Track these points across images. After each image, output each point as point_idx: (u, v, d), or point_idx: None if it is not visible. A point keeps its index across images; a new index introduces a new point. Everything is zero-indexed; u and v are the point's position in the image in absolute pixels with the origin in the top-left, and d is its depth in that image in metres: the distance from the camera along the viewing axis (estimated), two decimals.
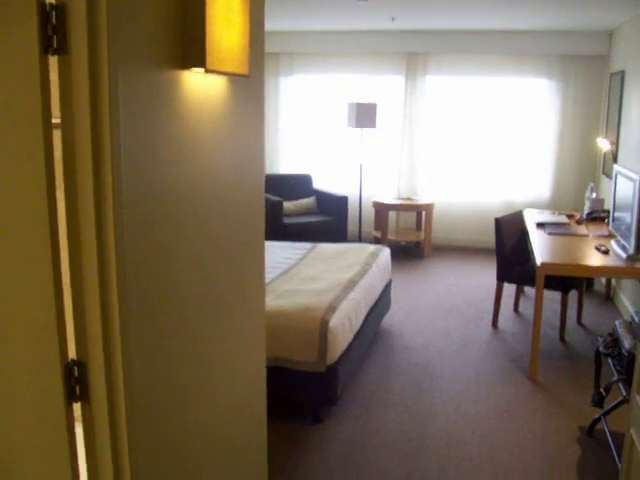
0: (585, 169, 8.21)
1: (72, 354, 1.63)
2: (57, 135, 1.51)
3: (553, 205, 8.15)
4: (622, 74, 6.69)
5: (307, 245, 5.75)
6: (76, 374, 1.63)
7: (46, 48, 1.44)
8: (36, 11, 1.40)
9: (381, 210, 8.30)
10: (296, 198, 8.26)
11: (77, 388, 1.63)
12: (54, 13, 1.43)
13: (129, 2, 1.56)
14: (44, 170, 1.48)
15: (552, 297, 6.10)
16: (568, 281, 5.12)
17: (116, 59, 1.50)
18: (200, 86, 1.97)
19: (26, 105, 1.45)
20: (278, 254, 5.34)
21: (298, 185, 8.47)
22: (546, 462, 3.50)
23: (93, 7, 1.44)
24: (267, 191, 7.49)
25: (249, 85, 2.36)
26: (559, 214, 6.36)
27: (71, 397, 1.63)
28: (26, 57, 1.42)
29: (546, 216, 6.17)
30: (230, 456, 2.46)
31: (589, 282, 6.51)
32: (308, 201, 8.28)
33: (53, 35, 1.44)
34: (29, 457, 1.68)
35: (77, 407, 1.66)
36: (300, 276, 4.71)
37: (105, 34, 1.45)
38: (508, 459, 3.53)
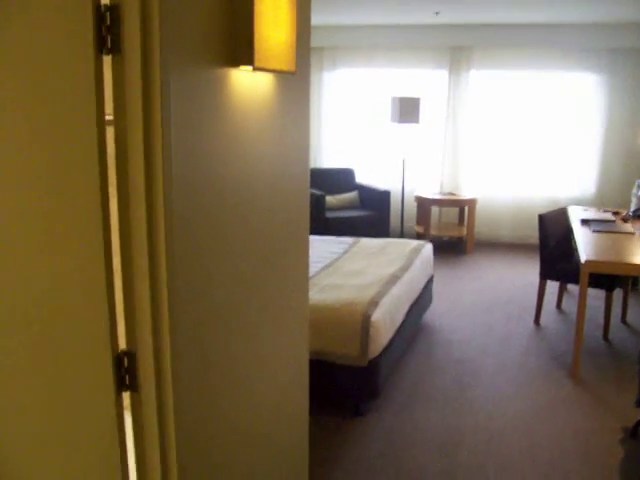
0: (632, 165, 8.06)
1: (122, 345, 1.68)
2: (110, 132, 1.56)
3: (599, 202, 8.03)
4: None
5: (349, 240, 5.77)
6: (126, 364, 1.68)
7: (100, 48, 1.48)
8: (91, 12, 1.44)
9: (423, 205, 8.27)
10: (339, 192, 8.28)
11: (127, 377, 1.69)
12: (108, 14, 1.48)
13: (180, 3, 1.60)
14: (97, 166, 1.52)
15: (596, 295, 6.02)
16: (613, 279, 5.05)
17: (167, 58, 1.54)
18: (248, 84, 2.00)
19: (81, 102, 1.50)
20: (321, 248, 5.37)
21: (341, 179, 8.48)
22: (587, 462, 3.47)
23: (146, 8, 1.48)
24: (310, 185, 7.52)
25: (295, 82, 2.39)
26: (604, 211, 6.27)
27: (121, 386, 1.68)
28: (81, 56, 1.47)
29: (591, 213, 6.09)
30: (272, 449, 2.50)
31: (634, 281, 6.41)
32: (351, 195, 8.29)
33: (107, 35, 1.48)
34: (79, 443, 1.73)
35: (126, 396, 1.71)
36: (343, 270, 4.73)
37: (157, 34, 1.49)
38: (548, 458, 3.51)
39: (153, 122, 1.54)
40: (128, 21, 1.48)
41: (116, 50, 1.51)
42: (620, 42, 7.82)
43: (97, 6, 1.45)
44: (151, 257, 1.60)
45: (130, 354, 1.68)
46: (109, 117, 1.56)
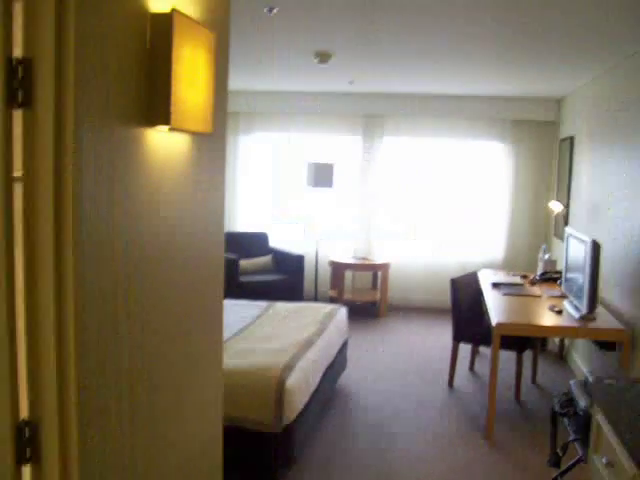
0: (538, 231, 8.40)
1: (24, 414, 1.57)
2: (19, 188, 1.49)
3: (507, 266, 8.28)
4: (571, 140, 6.92)
5: (263, 304, 5.72)
6: (27, 435, 1.57)
7: (10, 101, 1.43)
8: (2, 64, 1.40)
9: (337, 269, 8.33)
10: (253, 256, 8.24)
11: (28, 450, 1.58)
12: (20, 67, 1.43)
13: (96, 59, 1.57)
14: (3, 222, 1.45)
15: (507, 357, 6.14)
16: (523, 341, 5.17)
17: (82, 115, 1.50)
18: (164, 143, 1.97)
19: None
20: (235, 312, 5.28)
21: (255, 243, 8.46)
22: None
23: (60, 62, 1.45)
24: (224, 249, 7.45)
25: (211, 143, 2.38)
26: (513, 275, 6.47)
27: (21, 459, 1.57)
28: None
29: (501, 277, 6.27)
30: None
31: (543, 342, 6.58)
32: (265, 259, 8.27)
33: (19, 89, 1.43)
34: None
35: (27, 470, 1.60)
36: (257, 335, 4.67)
37: (72, 90, 1.46)
38: None
39: (64, 179, 1.49)
40: (41, 75, 1.44)
41: (27, 104, 1.46)
42: (523, 114, 8.24)
43: (8, 58, 1.41)
44: (58, 322, 1.53)
45: (32, 424, 1.57)
46: (18, 174, 1.50)
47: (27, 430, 1.57)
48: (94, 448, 1.67)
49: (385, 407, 5.12)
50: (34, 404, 1.56)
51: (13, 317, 1.51)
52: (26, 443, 1.57)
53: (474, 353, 6.18)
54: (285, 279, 7.92)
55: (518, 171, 8.43)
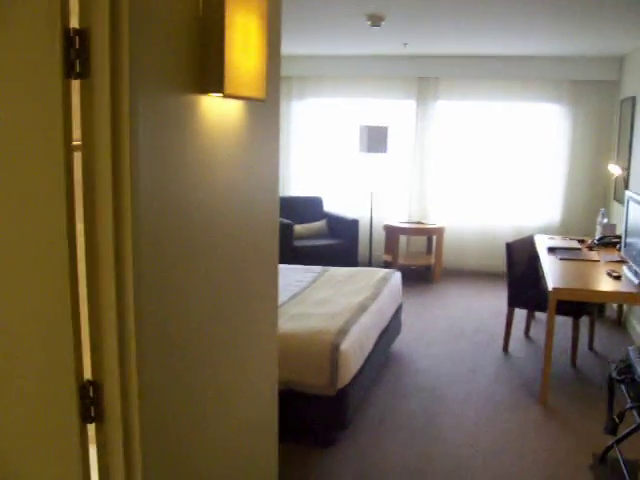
0: (596, 194, 8.20)
1: (88, 375, 1.63)
2: (78, 157, 1.53)
3: (564, 230, 8.13)
4: (633, 100, 6.70)
5: (318, 269, 5.76)
6: (91, 394, 1.63)
7: (68, 72, 1.47)
8: (60, 35, 1.43)
9: (392, 233, 8.30)
10: (307, 221, 8.28)
11: (92, 409, 1.64)
12: (77, 38, 1.46)
13: (150, 28, 1.59)
14: (64, 191, 1.50)
15: (563, 322, 6.07)
16: (580, 306, 5.10)
17: (137, 84, 1.53)
18: (218, 110, 1.99)
19: (48, 126, 1.47)
20: (289, 277, 5.34)
21: (309, 208, 8.48)
22: None
23: (115, 33, 1.47)
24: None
25: (265, 109, 2.39)
26: (570, 239, 6.35)
27: (86, 418, 1.63)
28: (49, 80, 1.45)
29: (557, 241, 6.16)
30: (242, 477, 2.45)
31: (601, 308, 6.48)
32: (319, 224, 8.30)
33: (76, 59, 1.46)
34: (42, 477, 1.68)
35: (92, 428, 1.66)
36: (311, 299, 4.71)
37: (127, 59, 1.48)
38: None
39: (121, 147, 1.52)
40: (97, 46, 1.47)
41: (85, 75, 1.49)
42: (582, 74, 8.00)
43: (66, 29, 1.44)
44: (118, 285, 1.57)
45: (96, 385, 1.63)
46: (77, 142, 1.54)
47: (91, 390, 1.63)
48: (155, 409, 1.73)
49: (438, 371, 5.13)
50: (97, 365, 1.62)
51: (76, 283, 1.56)
52: (90, 402, 1.63)
53: (529, 318, 6.13)
54: (340, 244, 7.94)
55: (576, 133, 8.22)
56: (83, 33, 1.47)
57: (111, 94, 1.50)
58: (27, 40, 1.45)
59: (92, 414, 1.64)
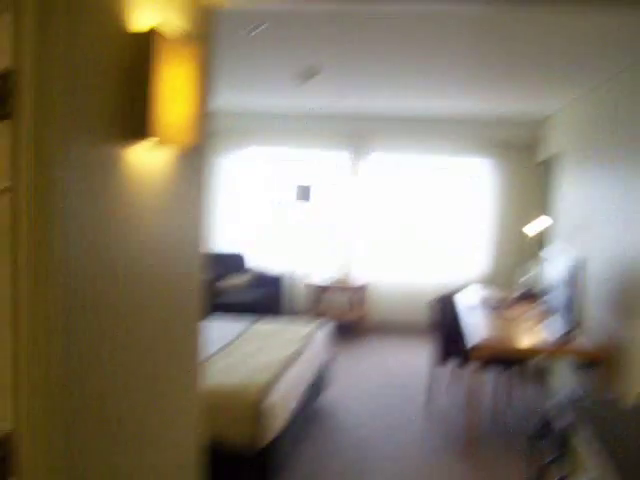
0: (520, 250, 8.43)
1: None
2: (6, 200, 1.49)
3: (488, 285, 8.30)
4: (554, 159, 7.01)
5: (246, 321, 5.69)
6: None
7: None
8: None
9: (316, 290, 8.32)
10: (231, 276, 8.22)
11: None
12: (2, 79, 1.43)
13: (77, 75, 1.58)
14: None
15: (487, 377, 6.15)
16: (503, 361, 5.19)
17: (63, 129, 1.50)
18: (146, 159, 1.97)
19: None
20: (220, 328, 5.23)
21: (233, 263, 8.45)
22: None
23: (41, 75, 1.45)
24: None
25: (193, 159, 2.37)
26: (494, 294, 6.49)
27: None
28: None
29: (482, 296, 6.28)
30: None
31: (522, 361, 6.59)
32: (243, 278, 8.24)
33: (1, 99, 1.43)
34: None
35: None
36: (239, 351, 4.64)
37: (53, 104, 1.46)
38: None
39: (46, 193, 1.48)
40: (22, 87, 1.44)
41: (9, 116, 1.45)
42: (506, 135, 8.36)
43: None
44: (33, 338, 1.51)
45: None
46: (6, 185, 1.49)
47: None
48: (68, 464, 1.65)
49: (366, 427, 5.10)
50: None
51: None
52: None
53: (453, 373, 6.19)
54: (265, 297, 7.92)
55: (502, 191, 8.52)
56: (8, 74, 1.43)
57: (35, 139, 1.46)
58: None
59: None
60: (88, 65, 1.63)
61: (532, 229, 7.22)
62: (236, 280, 8.18)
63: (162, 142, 1.92)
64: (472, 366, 4.49)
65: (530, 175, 8.36)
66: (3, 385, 1.53)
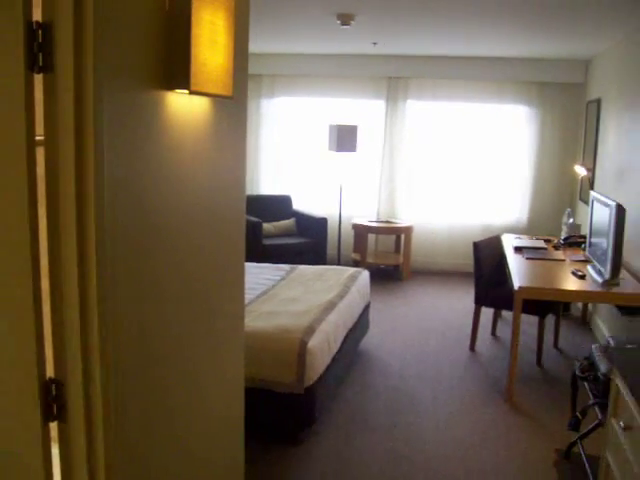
0: (562, 195, 8.31)
1: (50, 372, 1.61)
2: (40, 152, 1.51)
3: (530, 230, 8.22)
4: (598, 102, 6.81)
5: (286, 267, 5.75)
6: (54, 393, 1.61)
7: (31, 66, 1.44)
8: (23, 29, 1.41)
9: (360, 232, 8.33)
10: (276, 219, 8.26)
11: (54, 407, 1.62)
12: (40, 31, 1.44)
13: (116, 22, 1.57)
14: (26, 187, 1.47)
15: (529, 321, 6.14)
16: (545, 305, 5.16)
17: (101, 79, 1.51)
18: (184, 107, 1.98)
19: (10, 121, 1.45)
20: (258, 275, 5.33)
21: (278, 206, 8.47)
22: None
23: (80, 26, 1.45)
24: (247, 212, 7.48)
25: (232, 106, 2.38)
26: (536, 239, 6.42)
27: (48, 416, 1.61)
28: (11, 74, 1.43)
29: (524, 241, 6.23)
30: (209, 473, 2.44)
31: (566, 306, 6.56)
32: (287, 222, 8.29)
33: (39, 53, 1.44)
34: (3, 477, 1.65)
35: (54, 426, 1.64)
36: (279, 297, 4.71)
37: (91, 53, 1.46)
38: None
39: (85, 143, 1.50)
40: (61, 39, 1.45)
41: (48, 69, 1.47)
42: (549, 77, 8.11)
43: (29, 23, 1.42)
44: (81, 281, 1.55)
45: (59, 383, 1.61)
46: (40, 137, 1.51)
47: (54, 388, 1.61)
48: (119, 408, 1.71)
49: (406, 370, 5.15)
50: (60, 363, 1.60)
51: (38, 279, 1.54)
52: (52, 400, 1.61)
53: (496, 317, 6.19)
54: (308, 242, 7.94)
55: (543, 134, 8.33)
56: (46, 26, 1.44)
57: (75, 89, 1.47)
58: None
59: (54, 412, 1.61)
60: (125, 11, 1.63)
61: (580, 170, 7.08)
62: (282, 223, 8.24)
63: (201, 88, 1.92)
64: (515, 310, 4.48)
65: (575, 117, 8.16)
66: (60, 331, 1.59)
